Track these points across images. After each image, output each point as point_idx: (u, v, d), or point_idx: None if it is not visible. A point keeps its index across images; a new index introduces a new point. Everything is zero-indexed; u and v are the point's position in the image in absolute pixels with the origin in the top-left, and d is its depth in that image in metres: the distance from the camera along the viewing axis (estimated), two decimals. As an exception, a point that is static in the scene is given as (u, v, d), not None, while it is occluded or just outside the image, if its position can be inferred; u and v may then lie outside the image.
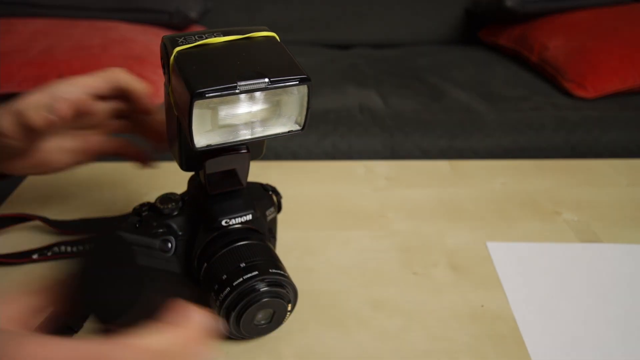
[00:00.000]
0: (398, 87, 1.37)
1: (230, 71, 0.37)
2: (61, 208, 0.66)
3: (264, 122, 0.41)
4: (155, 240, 0.47)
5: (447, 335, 0.48)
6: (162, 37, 0.41)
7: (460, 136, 1.15)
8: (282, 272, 0.45)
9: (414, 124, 1.17)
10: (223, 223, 0.47)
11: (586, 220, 0.66)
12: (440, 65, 1.52)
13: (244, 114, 0.40)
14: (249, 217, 0.48)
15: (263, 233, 0.50)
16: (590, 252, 0.60)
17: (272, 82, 0.37)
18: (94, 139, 0.54)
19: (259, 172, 0.64)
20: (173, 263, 0.48)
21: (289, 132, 0.42)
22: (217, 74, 0.37)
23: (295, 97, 0.41)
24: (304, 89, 0.40)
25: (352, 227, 0.64)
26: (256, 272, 0.43)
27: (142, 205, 0.50)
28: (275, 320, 0.46)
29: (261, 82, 0.37)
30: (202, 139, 0.39)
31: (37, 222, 0.61)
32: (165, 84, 0.42)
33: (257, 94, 0.39)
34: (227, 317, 0.43)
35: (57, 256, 0.57)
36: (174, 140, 0.46)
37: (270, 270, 0.44)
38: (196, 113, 0.37)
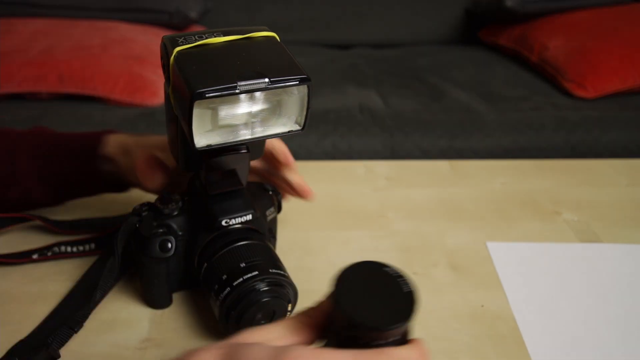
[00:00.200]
0: (398, 87, 1.37)
1: (231, 71, 0.37)
2: (61, 208, 0.66)
3: (264, 122, 0.41)
4: (156, 240, 0.47)
5: (447, 335, 0.48)
6: (162, 37, 0.40)
7: (460, 136, 1.15)
8: (282, 272, 0.45)
9: (414, 124, 1.17)
10: (223, 223, 0.47)
11: (586, 220, 0.66)
12: (440, 65, 1.52)
13: (244, 114, 0.40)
14: (249, 217, 0.48)
15: (263, 233, 0.50)
16: (590, 252, 0.60)
17: (272, 82, 0.37)
18: None
19: (259, 172, 0.64)
20: None
21: (289, 132, 0.42)
22: (217, 74, 0.37)
23: (295, 97, 0.41)
24: (304, 89, 0.40)
25: (352, 227, 0.64)
26: (256, 272, 0.43)
27: (142, 205, 0.50)
28: (275, 320, 0.46)
29: (261, 82, 0.37)
30: (202, 139, 0.39)
31: (37, 222, 0.61)
32: (165, 84, 0.42)
33: (257, 94, 0.39)
34: (227, 317, 0.43)
35: (57, 256, 0.57)
36: (174, 140, 0.46)
37: (270, 270, 0.44)
38: (196, 113, 0.37)
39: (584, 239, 0.62)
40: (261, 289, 0.43)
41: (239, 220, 0.48)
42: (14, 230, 0.62)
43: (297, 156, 1.12)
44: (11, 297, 0.52)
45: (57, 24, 1.40)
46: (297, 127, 0.42)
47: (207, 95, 0.36)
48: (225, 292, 0.43)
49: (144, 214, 0.49)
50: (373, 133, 1.15)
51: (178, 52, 0.38)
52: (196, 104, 0.36)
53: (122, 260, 0.50)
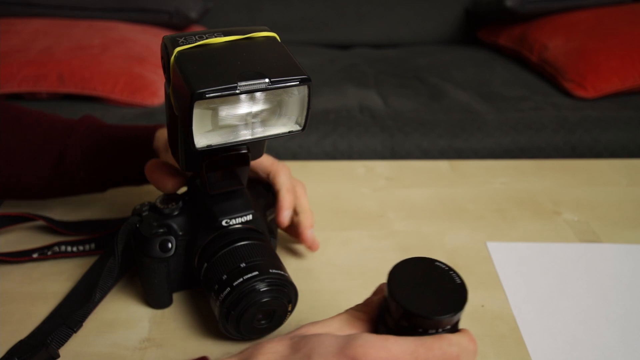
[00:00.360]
0: (398, 87, 1.37)
1: (231, 71, 0.37)
2: (61, 208, 0.66)
3: (264, 122, 0.41)
4: (156, 240, 0.47)
5: (447, 335, 0.48)
6: (163, 37, 0.40)
7: (460, 136, 1.15)
8: (282, 272, 0.45)
9: (414, 124, 1.17)
10: (223, 223, 0.47)
11: (586, 220, 0.66)
12: (440, 65, 1.52)
13: (244, 114, 0.40)
14: (249, 217, 0.48)
15: (263, 233, 0.50)
16: (590, 252, 0.60)
17: (272, 83, 0.37)
18: None
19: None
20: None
21: (289, 132, 0.42)
22: (218, 74, 0.37)
23: (295, 98, 0.41)
24: (304, 89, 0.40)
25: (352, 227, 0.64)
26: (256, 272, 0.43)
27: (143, 205, 0.50)
28: (276, 320, 0.46)
29: (262, 83, 0.37)
30: (202, 139, 0.39)
31: (38, 222, 0.61)
32: (165, 84, 0.42)
33: (258, 94, 0.39)
34: (227, 317, 0.43)
35: (57, 255, 0.57)
36: (175, 141, 0.46)
37: (271, 271, 0.44)
38: (196, 113, 0.37)
39: (584, 239, 0.62)
40: (261, 289, 0.43)
41: (239, 220, 0.48)
42: (15, 229, 0.62)
43: (297, 156, 1.13)
44: (11, 297, 0.52)
45: (57, 24, 1.40)
46: (297, 128, 0.42)
47: (207, 95, 0.36)
48: (226, 292, 0.43)
49: (144, 214, 0.49)
50: (373, 133, 1.15)
51: (178, 52, 0.38)
52: (196, 104, 0.36)
53: (122, 260, 0.50)
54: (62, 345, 0.46)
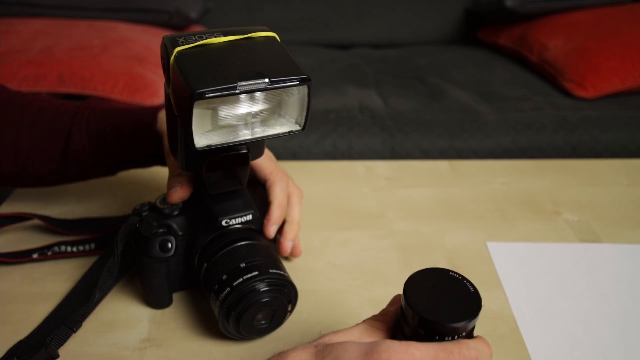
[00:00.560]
0: (398, 87, 1.37)
1: (231, 71, 0.37)
2: (61, 208, 0.66)
3: (264, 122, 0.41)
4: (156, 240, 0.47)
5: (447, 335, 0.48)
6: (163, 37, 0.40)
7: (460, 136, 1.15)
8: (282, 272, 0.45)
9: (414, 124, 1.17)
10: (223, 223, 0.47)
11: (586, 220, 0.66)
12: (440, 65, 1.52)
13: (244, 114, 0.40)
14: (249, 217, 0.48)
15: (263, 233, 0.50)
16: (590, 252, 0.60)
17: (272, 82, 0.37)
18: None
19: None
20: None
21: (289, 132, 0.42)
22: (217, 74, 0.37)
23: (295, 97, 0.40)
24: (304, 89, 0.40)
25: (352, 227, 0.64)
26: (256, 272, 0.43)
27: (143, 205, 0.50)
28: (276, 320, 0.46)
29: (261, 82, 0.37)
30: (202, 139, 0.39)
31: (38, 222, 0.61)
32: (165, 84, 0.42)
33: (258, 94, 0.39)
34: (227, 318, 0.43)
35: (57, 256, 0.57)
36: (174, 140, 0.46)
37: (270, 271, 0.44)
38: (196, 113, 0.37)
39: (584, 239, 0.62)
40: (261, 289, 0.43)
41: (239, 220, 0.48)
42: (14, 229, 0.62)
43: (297, 156, 1.13)
44: (11, 297, 0.52)
45: (57, 24, 1.40)
46: (297, 127, 0.42)
47: (207, 95, 0.36)
48: (225, 292, 0.43)
49: (144, 214, 0.49)
50: (373, 133, 1.15)
51: (178, 52, 0.38)
52: (196, 104, 0.36)
53: (122, 260, 0.50)
54: (62, 345, 0.46)
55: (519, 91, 1.33)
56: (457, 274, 0.34)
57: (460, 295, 0.33)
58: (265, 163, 0.53)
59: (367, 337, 0.34)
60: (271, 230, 0.50)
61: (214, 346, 0.47)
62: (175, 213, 0.49)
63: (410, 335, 0.33)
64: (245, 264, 0.44)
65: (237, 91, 0.37)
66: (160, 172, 0.72)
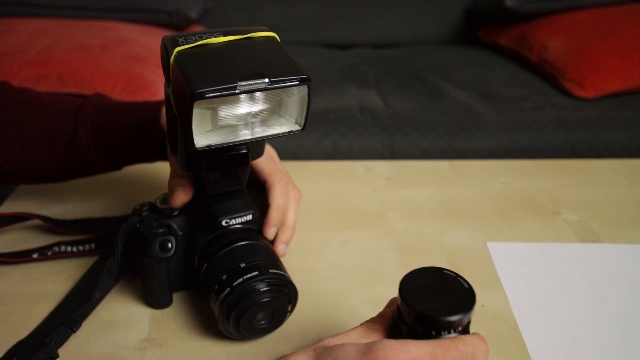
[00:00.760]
0: (398, 87, 1.37)
1: (231, 71, 0.37)
2: (61, 208, 0.66)
3: (264, 122, 0.41)
4: (156, 240, 0.47)
5: (447, 335, 0.48)
6: (163, 37, 0.40)
7: (460, 136, 1.15)
8: (282, 272, 0.45)
9: (414, 124, 1.17)
10: (223, 223, 0.47)
11: (586, 220, 0.66)
12: (440, 65, 1.52)
13: (244, 114, 0.40)
14: (249, 217, 0.48)
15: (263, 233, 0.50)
16: (590, 252, 0.60)
17: (272, 82, 0.37)
18: None
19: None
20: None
21: (289, 132, 0.42)
22: (217, 74, 0.37)
23: (295, 97, 0.40)
24: (304, 89, 0.40)
25: (352, 227, 0.64)
26: (256, 272, 0.43)
27: (143, 205, 0.50)
28: (276, 320, 0.46)
29: (261, 82, 0.37)
30: (202, 139, 0.39)
31: (37, 222, 0.61)
32: (165, 84, 0.42)
33: (257, 94, 0.39)
34: (227, 318, 0.43)
35: (57, 256, 0.57)
36: (174, 141, 0.46)
37: (270, 271, 0.44)
38: (196, 113, 0.37)
39: (584, 239, 0.62)
40: (261, 289, 0.43)
41: (239, 220, 0.48)
42: (14, 229, 0.62)
43: (297, 156, 1.13)
44: (11, 297, 0.52)
45: (57, 24, 1.40)
46: (297, 127, 0.42)
47: (207, 95, 0.36)
48: (225, 292, 0.43)
49: (144, 214, 0.49)
50: (373, 133, 1.15)
51: (178, 52, 0.38)
52: (196, 104, 0.36)
53: (122, 260, 0.50)
54: (61, 345, 0.46)
55: (519, 91, 1.33)
56: (451, 271, 0.35)
57: (454, 291, 0.34)
58: (265, 164, 0.53)
59: (365, 338, 0.34)
60: (269, 232, 0.50)
61: (214, 346, 0.47)
62: (175, 213, 0.49)
63: (407, 333, 0.33)
64: (245, 264, 0.44)
65: (237, 91, 0.37)
66: (161, 172, 0.72)
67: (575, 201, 0.69)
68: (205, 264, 0.46)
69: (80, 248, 0.57)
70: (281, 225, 0.52)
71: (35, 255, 0.56)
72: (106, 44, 1.30)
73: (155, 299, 0.51)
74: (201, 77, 0.36)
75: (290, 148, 1.12)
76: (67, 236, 0.60)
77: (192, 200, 0.50)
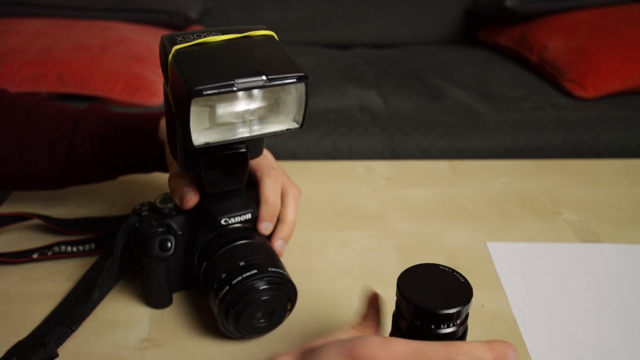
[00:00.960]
0: (398, 87, 1.37)
1: (228, 69, 0.37)
2: (61, 208, 0.66)
3: (262, 120, 0.41)
4: (155, 240, 0.47)
5: (447, 335, 0.48)
6: (161, 36, 0.41)
7: (460, 136, 1.15)
8: (281, 271, 0.44)
9: (414, 124, 1.17)
10: (222, 222, 0.47)
11: (586, 220, 0.65)
12: (440, 65, 1.52)
13: (241, 112, 0.40)
14: (249, 216, 0.48)
15: (262, 232, 0.50)
16: (590, 252, 0.59)
17: (269, 80, 0.37)
18: None
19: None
20: None
21: (287, 130, 0.42)
22: (215, 72, 0.37)
23: (293, 95, 0.40)
24: (301, 86, 0.40)
25: (352, 227, 0.64)
26: (255, 271, 0.43)
27: (142, 205, 0.50)
28: (275, 319, 0.46)
29: (259, 80, 0.37)
30: (200, 136, 0.39)
31: (38, 222, 0.61)
32: (164, 83, 0.42)
33: (255, 91, 0.39)
34: (226, 316, 0.43)
35: (57, 256, 0.57)
36: (173, 140, 0.46)
37: (269, 269, 0.44)
38: (194, 110, 0.37)
39: (584, 239, 0.62)
40: (260, 287, 0.43)
41: (238, 219, 0.48)
42: (14, 229, 0.62)
43: (297, 156, 1.13)
44: (11, 297, 0.52)
45: (57, 24, 1.40)
46: (295, 125, 0.42)
47: (204, 92, 0.36)
48: (224, 290, 0.43)
49: (144, 213, 0.49)
50: (373, 133, 1.15)
51: (176, 50, 0.38)
52: (194, 101, 0.36)
53: (121, 260, 0.50)
54: (61, 344, 0.46)
55: (519, 91, 1.33)
56: (447, 267, 0.36)
57: (451, 285, 0.34)
58: (258, 163, 0.53)
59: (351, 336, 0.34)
60: (262, 227, 0.50)
61: (214, 346, 0.47)
62: (175, 213, 0.49)
63: (406, 328, 0.34)
64: (245, 262, 0.44)
65: (234, 88, 0.37)
66: (161, 173, 0.72)
67: (575, 201, 0.69)
68: (205, 263, 0.46)
69: (80, 248, 0.57)
70: (276, 220, 0.52)
71: (35, 255, 0.56)
72: (106, 44, 1.30)
73: (155, 299, 0.51)
74: (199, 75, 0.36)
75: (290, 148, 1.12)
76: (67, 236, 0.60)
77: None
